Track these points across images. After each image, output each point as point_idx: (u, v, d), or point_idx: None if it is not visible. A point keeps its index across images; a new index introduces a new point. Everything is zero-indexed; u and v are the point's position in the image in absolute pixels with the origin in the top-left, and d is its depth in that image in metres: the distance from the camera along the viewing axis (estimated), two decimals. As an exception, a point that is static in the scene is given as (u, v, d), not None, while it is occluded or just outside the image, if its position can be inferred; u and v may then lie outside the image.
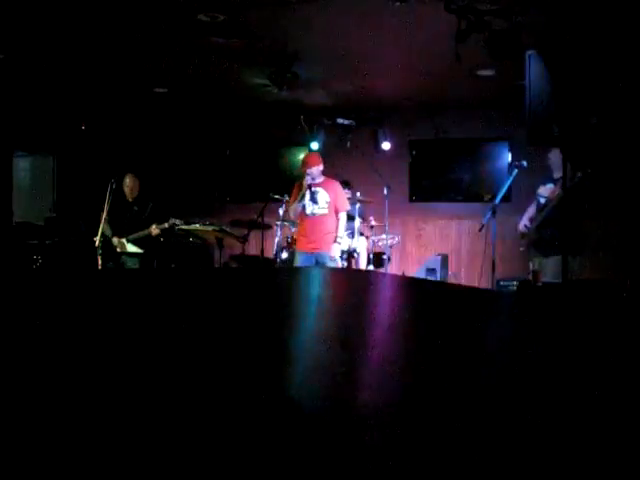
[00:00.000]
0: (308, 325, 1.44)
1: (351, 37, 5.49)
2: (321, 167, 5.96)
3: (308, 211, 5.91)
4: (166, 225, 6.02)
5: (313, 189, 5.88)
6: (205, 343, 1.14)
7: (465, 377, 0.95)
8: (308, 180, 5.85)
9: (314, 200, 5.89)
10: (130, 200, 6.27)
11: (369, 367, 1.02)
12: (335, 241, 5.92)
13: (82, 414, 0.74)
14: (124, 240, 6.09)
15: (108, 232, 6.12)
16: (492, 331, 1.39)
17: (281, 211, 7.33)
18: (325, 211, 5.91)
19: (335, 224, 5.97)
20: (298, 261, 6.05)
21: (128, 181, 6.29)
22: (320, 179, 5.96)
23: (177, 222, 6.05)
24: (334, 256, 5.91)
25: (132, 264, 6.09)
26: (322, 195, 5.90)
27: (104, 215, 6.10)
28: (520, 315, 1.69)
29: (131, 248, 6.12)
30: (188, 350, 1.08)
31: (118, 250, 6.09)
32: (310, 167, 5.87)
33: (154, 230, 6.02)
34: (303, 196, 5.89)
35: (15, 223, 8.09)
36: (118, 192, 6.21)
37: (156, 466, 0.62)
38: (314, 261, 5.90)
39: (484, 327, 1.44)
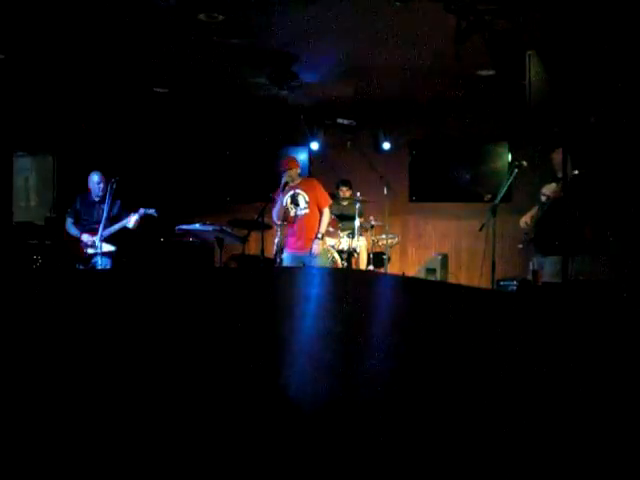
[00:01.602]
0: (307, 325, 1.44)
1: (351, 37, 5.50)
2: (298, 170, 6.08)
3: (291, 213, 6.01)
4: (137, 216, 5.92)
5: (293, 192, 5.97)
6: (203, 343, 1.14)
7: (465, 377, 0.95)
8: (285, 178, 5.95)
9: (295, 202, 6.00)
10: (96, 199, 6.07)
11: (368, 367, 1.02)
12: (316, 237, 5.95)
13: (82, 412, 0.74)
14: (95, 239, 5.86)
15: (75, 232, 6.01)
16: (492, 331, 1.39)
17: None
18: (307, 211, 5.98)
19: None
20: (286, 261, 6.13)
21: (95, 179, 6.10)
22: (297, 180, 6.05)
23: (149, 212, 5.99)
24: (315, 252, 5.93)
25: (104, 263, 5.88)
26: (302, 196, 6.00)
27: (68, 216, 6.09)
28: (520, 315, 1.69)
29: (104, 247, 5.92)
30: (186, 350, 1.08)
31: (89, 251, 5.95)
32: (289, 170, 5.97)
33: (132, 218, 5.93)
34: (281, 195, 6.00)
35: (15, 223, 8.09)
36: (83, 191, 6.14)
37: (155, 465, 0.62)
38: (300, 262, 5.96)
39: (484, 327, 1.44)
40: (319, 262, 5.97)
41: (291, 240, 6.11)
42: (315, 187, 6.08)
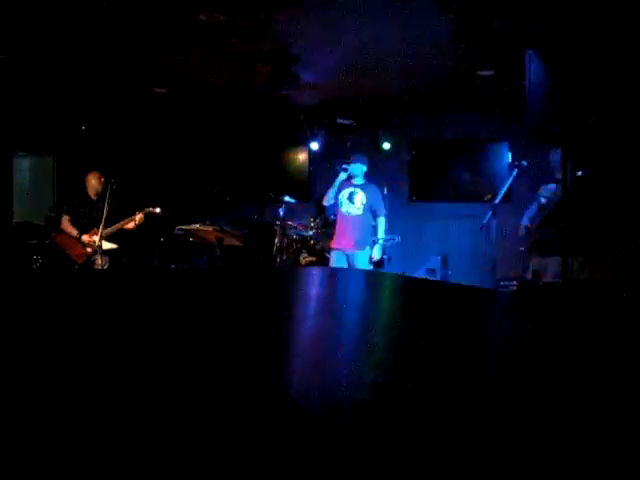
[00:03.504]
0: (306, 324, 1.44)
1: (351, 37, 5.49)
2: (364, 168, 6.14)
3: (344, 209, 6.09)
4: (142, 214, 5.94)
5: (353, 189, 6.03)
6: (205, 343, 1.14)
7: (464, 377, 0.95)
8: (347, 169, 6.04)
9: (351, 199, 6.06)
10: (94, 199, 6.09)
11: (368, 366, 1.02)
12: (376, 242, 6.08)
13: (83, 412, 0.74)
14: (95, 238, 5.78)
15: (73, 232, 6.01)
16: (491, 331, 1.39)
17: (281, 211, 7.31)
18: (360, 212, 6.07)
19: (370, 226, 6.13)
20: (333, 260, 6.19)
21: (92, 179, 6.11)
22: (361, 181, 6.13)
23: (156, 210, 6.03)
24: (375, 257, 6.06)
25: (104, 262, 5.83)
26: (359, 196, 6.06)
27: (65, 216, 6.09)
28: (520, 315, 1.69)
29: (105, 245, 5.86)
30: (188, 350, 1.08)
31: (89, 250, 5.94)
32: (352, 163, 6.06)
33: (137, 216, 5.94)
34: (339, 185, 6.07)
35: (15, 223, 8.08)
36: (81, 191, 6.15)
37: (155, 466, 0.62)
38: (346, 260, 6.04)
39: (484, 327, 1.44)
40: (362, 263, 6.05)
41: (338, 238, 6.16)
42: (375, 194, 6.18)
